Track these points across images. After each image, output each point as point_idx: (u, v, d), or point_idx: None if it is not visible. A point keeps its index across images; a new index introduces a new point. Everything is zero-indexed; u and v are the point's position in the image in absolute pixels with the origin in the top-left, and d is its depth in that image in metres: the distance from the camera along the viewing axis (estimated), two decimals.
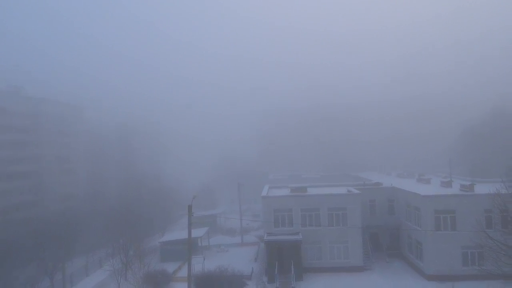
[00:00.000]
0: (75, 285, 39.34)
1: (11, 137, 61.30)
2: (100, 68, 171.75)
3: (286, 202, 39.26)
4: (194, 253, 37.90)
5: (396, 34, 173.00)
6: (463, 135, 71.51)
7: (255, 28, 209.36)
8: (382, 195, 43.77)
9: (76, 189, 70.52)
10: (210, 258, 42.99)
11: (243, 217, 55.34)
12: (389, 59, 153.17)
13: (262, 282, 35.80)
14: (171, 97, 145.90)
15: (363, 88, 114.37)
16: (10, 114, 61.56)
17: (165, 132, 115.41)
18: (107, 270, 37.53)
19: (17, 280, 35.92)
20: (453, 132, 75.26)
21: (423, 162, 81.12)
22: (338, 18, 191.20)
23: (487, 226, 31.79)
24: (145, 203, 55.18)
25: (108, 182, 75.43)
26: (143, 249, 38.93)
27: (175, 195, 68.74)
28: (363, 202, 39.80)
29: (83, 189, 70.15)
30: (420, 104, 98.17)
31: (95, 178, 75.72)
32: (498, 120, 66.59)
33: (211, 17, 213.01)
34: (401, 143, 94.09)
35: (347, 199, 38.78)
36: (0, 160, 58.01)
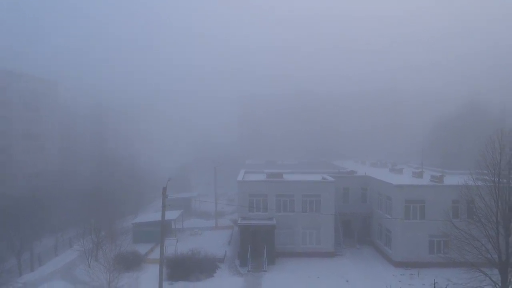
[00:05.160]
0: (43, 265, 38.55)
1: None
2: (87, 44, 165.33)
3: (261, 187, 39.44)
4: (167, 236, 37.75)
5: (383, 24, 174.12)
6: (436, 128, 73.39)
7: (242, 10, 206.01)
8: (355, 183, 44.55)
9: (46, 167, 68.47)
10: (183, 240, 42.94)
11: (219, 201, 55.37)
12: (374, 49, 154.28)
13: (234, 266, 36.11)
14: (154, 79, 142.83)
15: (345, 77, 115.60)
16: None
17: (144, 114, 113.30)
18: (77, 250, 36.93)
19: None
20: (428, 125, 77.09)
21: (397, 152, 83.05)
22: (325, 4, 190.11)
23: (454, 216, 32.76)
24: (118, 183, 54.28)
25: (80, 160, 73.74)
26: (115, 229, 38.39)
27: (150, 177, 67.99)
28: (337, 189, 40.43)
29: (53, 167, 68.21)
30: (398, 96, 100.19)
31: (66, 156, 73.85)
32: (471, 114, 68.59)
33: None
34: (377, 133, 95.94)
35: (321, 186, 39.29)
36: None
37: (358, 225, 43.36)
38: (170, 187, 28.34)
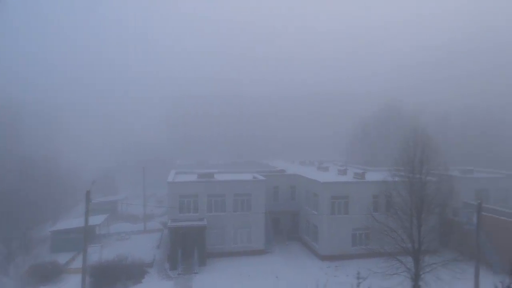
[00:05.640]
0: None
1: None
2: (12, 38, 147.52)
3: (192, 188, 38.79)
4: (91, 242, 35.52)
5: (306, 34, 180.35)
6: (360, 128, 78.01)
7: (176, 15, 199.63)
8: (285, 182, 45.73)
9: None
10: (109, 246, 40.78)
11: (147, 203, 53.43)
12: (304, 56, 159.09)
13: (164, 269, 35.08)
14: (81, 78, 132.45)
15: (277, 81, 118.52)
16: None
17: (69, 114, 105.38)
18: None
19: None
20: (352, 125, 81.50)
21: (325, 151, 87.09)
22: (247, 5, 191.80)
23: (374, 210, 35.31)
24: (34, 187, 49.76)
25: None
26: (30, 239, 35.16)
27: (72, 180, 63.42)
28: (267, 188, 41.16)
29: None
30: (326, 98, 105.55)
31: None
32: (389, 116, 73.98)
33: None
34: (307, 133, 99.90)
35: (252, 186, 39.70)
36: None
37: (287, 222, 44.56)
38: (95, 190, 26.68)
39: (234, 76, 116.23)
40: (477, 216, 24.77)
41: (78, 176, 66.41)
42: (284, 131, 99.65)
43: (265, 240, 39.49)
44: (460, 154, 61.15)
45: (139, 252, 37.13)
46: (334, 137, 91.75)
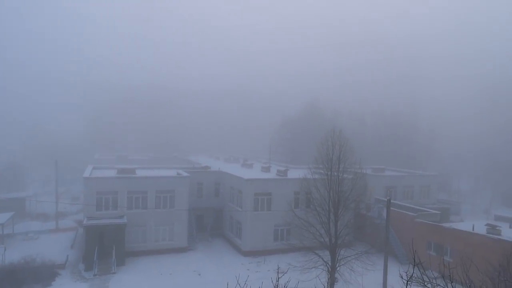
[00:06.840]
0: None
1: None
2: None
3: (111, 184, 36.84)
4: None
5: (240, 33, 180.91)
6: (282, 126, 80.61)
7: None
8: (209, 178, 45.55)
9: None
10: (14, 247, 37.07)
11: (61, 200, 49.57)
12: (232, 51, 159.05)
13: (78, 271, 32.88)
14: None
15: (204, 75, 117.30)
16: None
17: None
18: None
19: None
20: (276, 124, 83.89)
21: (248, 148, 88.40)
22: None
23: (295, 206, 36.79)
24: None
25: None
26: None
27: None
28: (191, 184, 40.64)
29: None
30: (252, 97, 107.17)
31: None
32: (310, 116, 77.49)
33: None
34: (231, 131, 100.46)
35: (175, 182, 38.90)
36: None
37: (211, 219, 44.48)
38: None
39: (161, 70, 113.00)
40: (387, 211, 26.99)
41: None
42: (208, 127, 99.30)
43: (188, 237, 39.00)
44: (373, 153, 66.22)
45: (50, 253, 34.35)
46: (258, 134, 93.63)
